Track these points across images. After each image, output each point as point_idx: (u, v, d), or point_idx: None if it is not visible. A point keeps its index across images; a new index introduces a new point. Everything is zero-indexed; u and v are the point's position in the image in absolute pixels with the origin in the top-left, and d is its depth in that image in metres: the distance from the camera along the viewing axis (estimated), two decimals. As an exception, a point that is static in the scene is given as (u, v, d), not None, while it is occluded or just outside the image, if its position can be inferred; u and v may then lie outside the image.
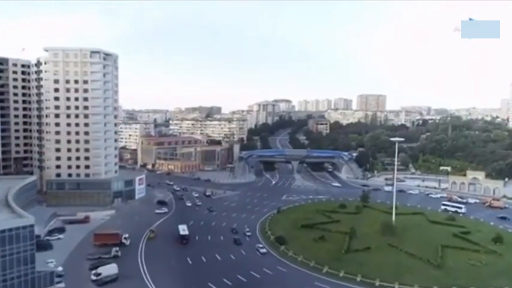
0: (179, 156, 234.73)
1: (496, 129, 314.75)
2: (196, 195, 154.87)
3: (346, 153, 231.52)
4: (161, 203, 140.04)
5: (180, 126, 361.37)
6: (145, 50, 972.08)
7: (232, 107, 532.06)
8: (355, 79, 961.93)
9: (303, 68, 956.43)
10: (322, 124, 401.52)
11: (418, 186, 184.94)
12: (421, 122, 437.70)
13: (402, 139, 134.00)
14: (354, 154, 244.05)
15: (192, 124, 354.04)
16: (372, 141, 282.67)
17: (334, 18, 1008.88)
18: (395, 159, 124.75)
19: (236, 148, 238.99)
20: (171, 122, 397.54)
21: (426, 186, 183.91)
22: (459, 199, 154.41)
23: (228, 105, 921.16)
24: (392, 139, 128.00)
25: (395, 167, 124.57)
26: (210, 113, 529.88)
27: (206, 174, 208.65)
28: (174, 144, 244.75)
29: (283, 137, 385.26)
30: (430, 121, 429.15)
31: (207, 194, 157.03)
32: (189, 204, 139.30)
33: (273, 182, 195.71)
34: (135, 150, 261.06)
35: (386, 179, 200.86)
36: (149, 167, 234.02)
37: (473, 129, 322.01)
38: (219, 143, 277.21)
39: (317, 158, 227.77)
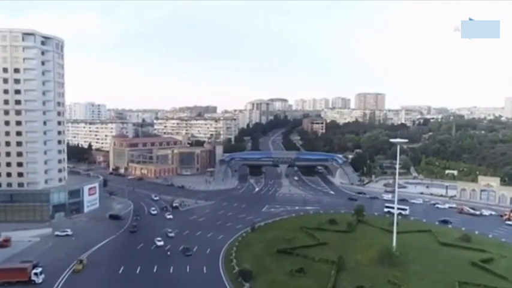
0: (155, 159, 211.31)
1: (502, 129, 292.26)
2: (168, 210, 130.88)
3: (340, 155, 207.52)
4: (114, 217, 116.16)
5: (165, 126, 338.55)
6: (144, 50, 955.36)
7: (230, 106, 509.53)
8: (353, 79, 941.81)
9: (302, 67, 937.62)
10: (317, 124, 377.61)
11: (422, 193, 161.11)
12: (422, 121, 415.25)
13: (405, 140, 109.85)
14: (350, 156, 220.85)
15: (177, 124, 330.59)
16: (370, 142, 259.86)
17: (334, 18, 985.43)
18: (397, 165, 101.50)
19: (219, 150, 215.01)
20: (155, 121, 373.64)
21: (431, 194, 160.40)
22: (471, 211, 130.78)
23: (226, 105, 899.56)
24: (392, 140, 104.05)
25: (397, 175, 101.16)
26: (206, 112, 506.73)
27: (182, 180, 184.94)
28: (150, 146, 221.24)
29: (277, 138, 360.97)
30: (431, 120, 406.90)
31: (174, 204, 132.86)
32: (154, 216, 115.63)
33: (256, 189, 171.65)
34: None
35: (385, 185, 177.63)
36: (122, 171, 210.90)
37: (478, 129, 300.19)
38: (203, 144, 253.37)
39: (308, 161, 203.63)
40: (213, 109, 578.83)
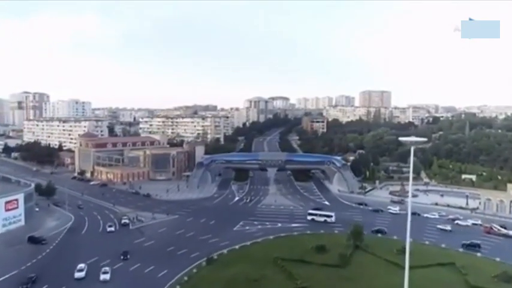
0: (125, 161, 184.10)
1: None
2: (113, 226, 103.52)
3: (339, 157, 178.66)
4: (34, 240, 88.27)
5: (151, 125, 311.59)
6: (144, 50, 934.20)
7: (231, 106, 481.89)
8: (357, 79, 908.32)
9: (304, 67, 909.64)
10: (318, 122, 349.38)
11: (437, 204, 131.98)
12: (431, 119, 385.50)
13: (423, 139, 78.44)
14: (351, 158, 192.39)
15: (163, 122, 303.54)
16: (374, 142, 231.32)
17: (334, 18, 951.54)
18: (411, 169, 72.41)
19: (200, 151, 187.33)
20: (140, 120, 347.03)
21: (448, 205, 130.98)
22: (503, 230, 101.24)
23: (228, 105, 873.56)
24: (403, 139, 73.85)
25: (410, 183, 72.11)
26: (206, 111, 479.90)
27: (152, 187, 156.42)
28: (121, 146, 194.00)
29: (274, 137, 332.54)
30: (441, 118, 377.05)
31: (123, 221, 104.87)
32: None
33: (236, 199, 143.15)
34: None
35: (391, 193, 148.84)
36: (88, 175, 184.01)
37: (494, 128, 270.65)
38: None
39: (300, 164, 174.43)
40: (213, 108, 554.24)
